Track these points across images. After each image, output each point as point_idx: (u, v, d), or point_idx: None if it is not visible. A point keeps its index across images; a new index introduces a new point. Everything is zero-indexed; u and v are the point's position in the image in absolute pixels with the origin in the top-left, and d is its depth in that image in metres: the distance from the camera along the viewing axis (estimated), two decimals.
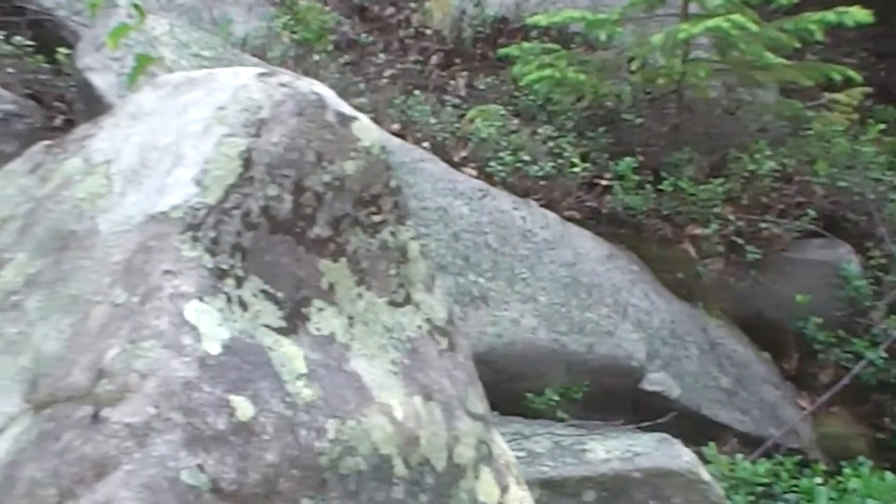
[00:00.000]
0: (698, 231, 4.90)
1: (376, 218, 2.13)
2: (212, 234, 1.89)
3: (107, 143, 2.14)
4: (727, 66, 5.17)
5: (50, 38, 4.79)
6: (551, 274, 4.53)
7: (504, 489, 2.22)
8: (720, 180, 4.93)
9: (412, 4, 6.87)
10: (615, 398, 4.35)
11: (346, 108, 2.14)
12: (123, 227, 1.93)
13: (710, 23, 4.76)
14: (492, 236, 4.56)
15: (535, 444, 3.64)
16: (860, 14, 4.84)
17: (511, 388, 4.05)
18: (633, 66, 5.36)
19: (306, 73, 5.07)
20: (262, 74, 2.11)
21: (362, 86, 5.38)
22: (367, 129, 2.14)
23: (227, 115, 2.01)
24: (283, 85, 2.09)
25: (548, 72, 5.31)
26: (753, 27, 4.75)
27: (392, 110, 5.14)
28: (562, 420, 4.10)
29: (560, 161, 4.98)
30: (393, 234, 2.16)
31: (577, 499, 3.34)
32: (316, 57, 5.31)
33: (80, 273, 1.94)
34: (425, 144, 4.92)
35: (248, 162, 1.96)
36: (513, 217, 4.66)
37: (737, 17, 4.72)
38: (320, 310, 2.01)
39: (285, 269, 1.98)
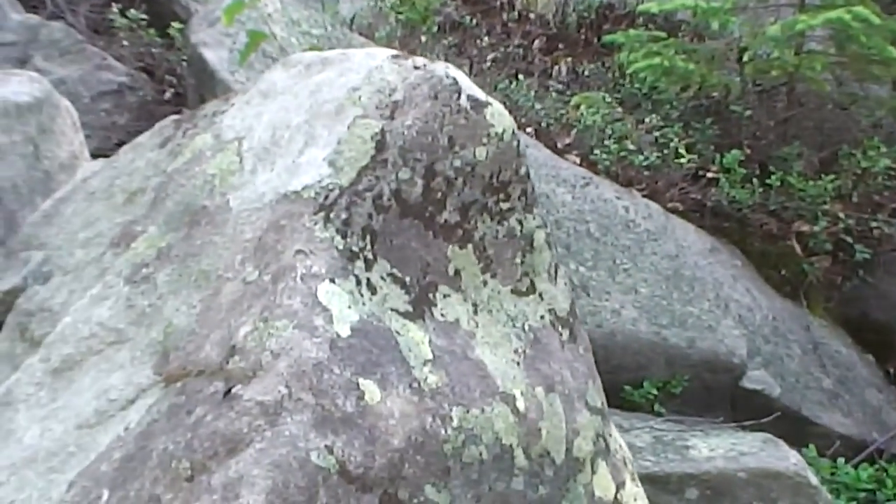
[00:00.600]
0: (806, 228, 4.78)
1: (504, 205, 2.10)
2: (343, 215, 1.88)
3: (238, 120, 2.14)
4: (844, 59, 5.00)
5: (164, 12, 4.85)
6: (653, 265, 4.45)
7: (620, 485, 2.19)
8: (830, 177, 4.80)
9: None
10: (715, 394, 4.27)
11: (480, 94, 2.11)
12: (255, 205, 1.93)
13: (831, 14, 4.61)
14: (594, 225, 4.49)
15: (635, 438, 3.58)
16: None
17: (610, 380, 3.94)
18: (745, 57, 5.23)
19: (412, 54, 5.08)
20: (395, 56, 2.09)
21: (467, 69, 5.35)
22: (499, 115, 2.11)
23: (360, 96, 2.00)
24: (417, 68, 2.07)
25: (656, 60, 5.22)
26: (876, 19, 4.60)
27: (496, 94, 5.10)
28: (660, 415, 4.04)
29: (665, 151, 4.90)
30: (520, 221, 2.13)
31: (679, 496, 3.28)
32: (422, 38, 5.29)
33: (210, 249, 1.94)
34: (529, 130, 4.88)
35: (381, 144, 1.94)
36: (615, 206, 4.59)
37: (858, 8, 4.57)
38: (446, 296, 1.99)
39: (413, 253, 1.96)
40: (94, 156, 3.84)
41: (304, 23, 4.53)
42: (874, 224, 4.73)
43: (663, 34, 5.51)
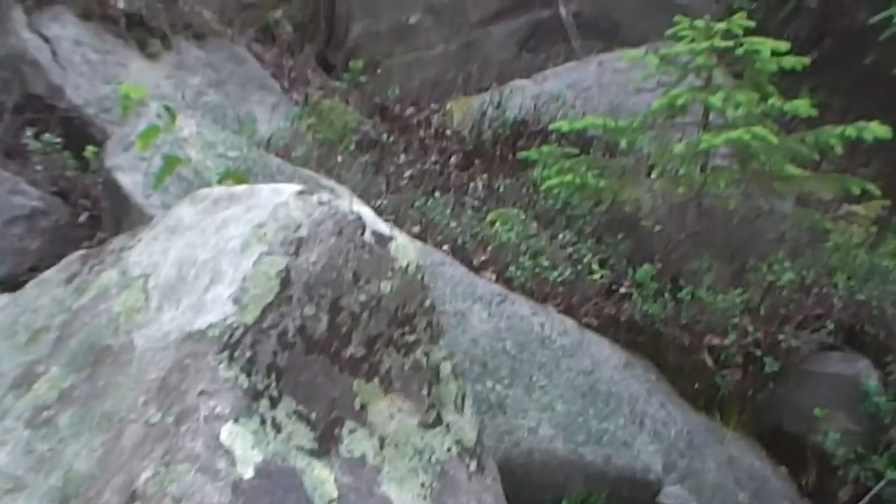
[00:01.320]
0: (717, 341, 4.88)
1: (410, 337, 2.14)
2: (248, 353, 1.90)
3: (145, 256, 2.16)
4: (747, 176, 5.20)
5: (78, 135, 4.87)
6: (569, 382, 4.50)
7: None
8: (739, 290, 4.93)
9: (433, 105, 7.01)
10: None
11: (384, 228, 2.16)
12: (159, 344, 1.94)
13: (731, 134, 4.83)
14: (510, 342, 4.53)
15: None
16: (879, 129, 4.91)
17: (528, 499, 3.99)
18: (654, 174, 5.41)
19: (329, 174, 5.16)
20: (301, 192, 2.14)
21: (383, 186, 5.44)
22: (404, 249, 2.16)
23: (266, 233, 2.04)
24: (322, 203, 2.12)
25: (568, 177, 5.38)
26: (773, 139, 4.81)
27: (413, 212, 5.17)
28: None
29: (579, 267, 4.99)
30: (426, 353, 2.16)
31: None
32: (339, 158, 5.37)
33: (114, 390, 1.94)
34: (445, 247, 4.93)
35: (286, 281, 1.97)
36: (531, 323, 4.65)
37: (757, 129, 4.79)
38: (352, 431, 2.01)
39: (319, 388, 1.98)
40: (5, 282, 3.81)
41: (220, 145, 4.56)
42: (781, 337, 4.85)
43: (575, 150, 5.69)
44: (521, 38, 7.99)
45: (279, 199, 2.11)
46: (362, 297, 2.05)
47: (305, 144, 5.44)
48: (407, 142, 6.49)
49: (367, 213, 2.16)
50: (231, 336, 1.89)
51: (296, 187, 2.17)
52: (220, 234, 2.09)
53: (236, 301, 1.93)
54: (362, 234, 2.10)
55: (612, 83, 7.06)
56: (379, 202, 5.07)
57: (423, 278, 2.17)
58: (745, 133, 4.76)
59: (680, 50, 5.19)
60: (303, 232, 2.04)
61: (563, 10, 7.99)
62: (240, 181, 3.70)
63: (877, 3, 6.49)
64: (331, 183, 4.76)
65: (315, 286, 1.99)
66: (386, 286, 2.08)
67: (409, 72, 7.61)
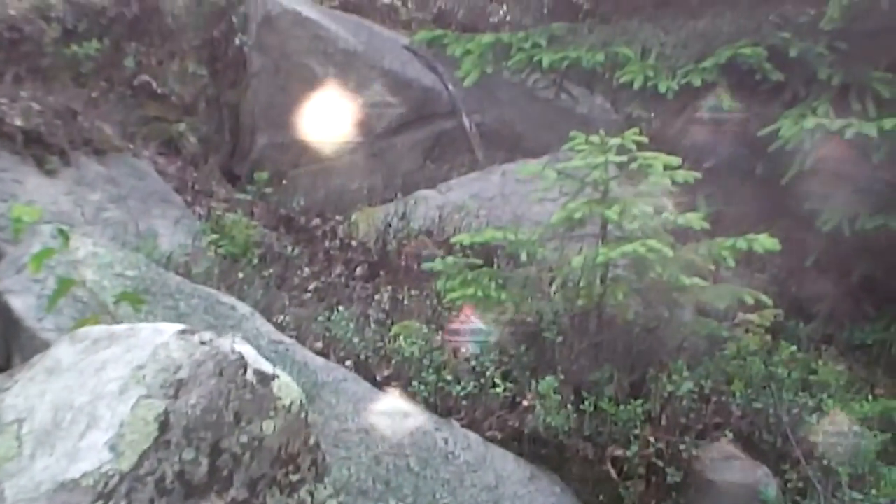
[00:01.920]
0: (619, 452, 4.92)
1: (294, 477, 2.12)
2: (123, 503, 1.86)
3: (21, 399, 2.12)
4: (645, 287, 5.32)
5: None
6: (473, 498, 4.50)
7: None
8: (640, 401, 5.00)
9: (338, 216, 7.06)
10: None
11: (267, 367, 2.16)
12: (31, 495, 1.89)
13: (628, 247, 4.95)
14: (413, 459, 4.53)
15: None
16: (768, 242, 5.13)
17: None
18: (554, 285, 5.50)
19: (230, 290, 5.14)
20: (182, 332, 2.14)
21: (286, 301, 5.43)
22: (287, 387, 2.16)
23: (145, 375, 2.02)
24: (203, 343, 2.12)
25: (471, 289, 5.43)
26: (669, 252, 4.95)
27: (316, 326, 5.18)
28: None
29: (482, 380, 5.02)
30: (310, 493, 2.15)
31: None
32: (241, 273, 5.36)
33: None
34: (348, 363, 4.93)
35: (164, 425, 1.96)
36: (435, 439, 4.65)
37: (653, 242, 4.92)
38: None
39: None
40: None
41: (117, 264, 4.52)
42: (682, 447, 4.92)
43: (478, 262, 5.75)
44: (425, 148, 8.17)
45: (160, 339, 2.10)
46: (244, 439, 2.03)
47: (207, 260, 5.42)
48: (312, 254, 6.52)
49: (249, 352, 2.16)
50: (106, 485, 1.86)
51: (177, 327, 2.16)
52: (99, 376, 2.06)
53: (112, 448, 1.91)
54: (244, 373, 2.09)
55: (515, 193, 7.24)
56: (281, 318, 5.07)
57: (306, 416, 2.17)
58: (641, 246, 4.89)
59: (577, 164, 5.33)
60: (183, 373, 2.03)
61: (466, 121, 8.19)
62: (136, 303, 3.67)
63: (763, 118, 6.84)
64: (231, 300, 4.75)
65: (195, 429, 1.98)
66: (268, 426, 2.08)
67: (315, 182, 7.69)
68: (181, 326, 2.16)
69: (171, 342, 2.08)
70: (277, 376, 2.08)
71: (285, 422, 2.08)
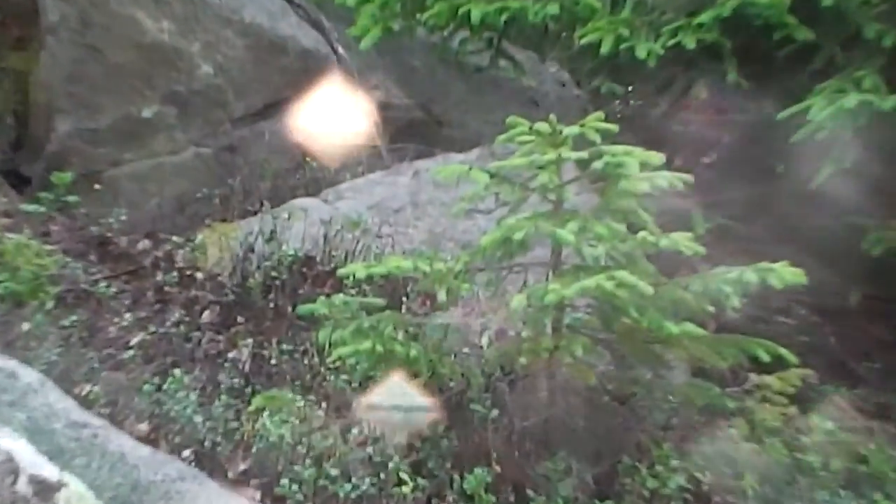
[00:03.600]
0: None
1: None
2: None
3: None
4: (614, 338, 5.35)
5: None
6: None
7: None
8: (610, 502, 5.02)
9: (177, 237, 6.99)
10: None
11: (50, 471, 2.12)
12: None
13: (589, 281, 4.91)
14: None
15: None
16: (789, 273, 5.03)
17: None
18: (485, 337, 5.50)
19: (9, 348, 5.05)
20: None
21: (96, 363, 5.36)
22: (79, 500, 2.12)
23: None
24: None
25: (367, 342, 5.37)
26: (647, 288, 4.92)
27: (140, 400, 5.12)
28: None
29: (383, 475, 4.99)
30: None
31: None
32: (26, 324, 5.28)
33: None
34: (187, 453, 4.89)
35: None
36: None
37: (623, 273, 4.90)
38: None
39: None
40: None
41: None
42: None
43: (379, 302, 5.72)
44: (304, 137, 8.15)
45: None
46: None
47: None
48: (137, 292, 6.44)
49: (21, 450, 2.11)
50: None
51: None
52: None
53: None
54: (14, 482, 2.04)
55: (433, 203, 7.26)
56: (88, 388, 5.01)
57: None
58: (608, 279, 4.88)
59: (518, 163, 5.33)
60: None
61: (363, 99, 8.20)
62: None
63: (785, 95, 6.87)
64: (10, 364, 4.66)
65: None
66: None
67: (144, 187, 7.62)
68: None
69: None
70: (66, 484, 2.04)
71: None
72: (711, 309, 5.40)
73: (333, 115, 8.22)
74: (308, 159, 7.99)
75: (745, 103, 7.38)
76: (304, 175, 7.88)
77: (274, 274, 6.63)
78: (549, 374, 5.43)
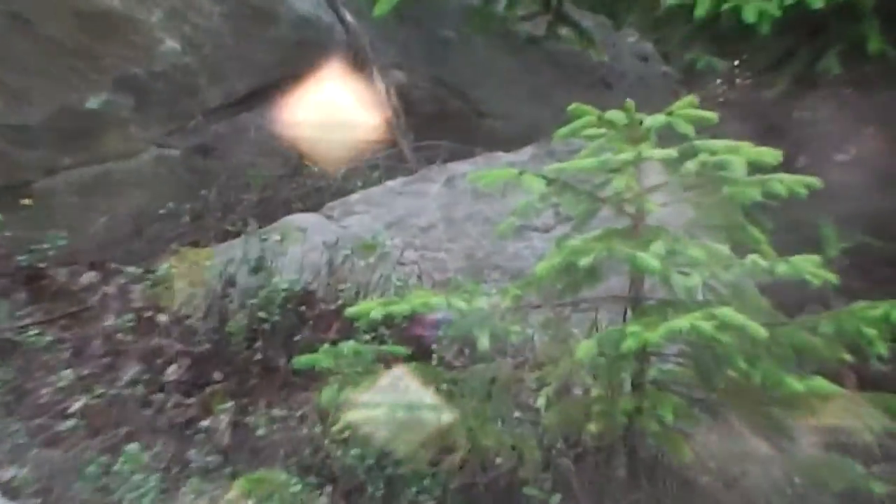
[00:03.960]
0: None
1: None
2: None
3: None
4: (715, 396, 5.32)
5: None
6: None
7: None
8: None
9: (132, 267, 7.01)
10: None
11: None
12: None
13: (680, 322, 4.88)
14: None
15: None
16: None
17: None
18: (542, 397, 5.47)
19: None
20: None
21: (23, 438, 5.38)
22: None
23: None
24: None
25: (385, 407, 5.39)
26: (759, 331, 4.90)
27: (82, 486, 5.13)
28: None
29: None
30: None
31: None
32: None
33: None
34: None
35: None
36: None
37: (727, 311, 4.88)
38: None
39: None
40: None
41: None
42: None
43: (401, 350, 5.72)
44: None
45: None
46: None
47: None
48: (79, 341, 6.47)
49: None
50: None
51: None
52: None
53: None
54: None
55: (472, 218, 7.26)
56: (11, 472, 5.02)
57: None
58: (706, 319, 4.85)
59: (584, 165, 5.33)
60: None
61: (379, 83, 8.23)
62: None
63: None
64: None
65: None
66: None
67: (88, 202, 7.65)
68: None
69: None
70: None
71: None
72: (849, 358, 5.36)
73: (339, 104, 8.23)
74: (307, 163, 7.98)
75: (893, 79, 7.31)
76: (302, 183, 7.87)
77: (262, 315, 6.65)
78: (629, 448, 5.41)
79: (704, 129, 5.27)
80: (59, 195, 7.66)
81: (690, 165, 5.25)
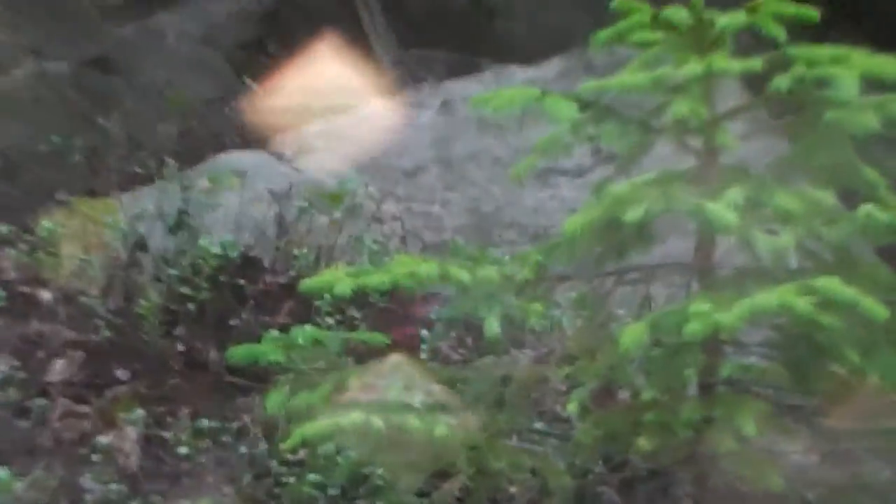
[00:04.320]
0: None
1: None
2: None
3: None
4: (816, 401, 5.28)
5: None
6: None
7: None
8: None
9: (6, 226, 6.98)
10: None
11: None
12: None
13: (766, 299, 4.85)
14: None
15: None
16: None
17: None
18: (575, 399, 5.43)
19: None
20: None
21: None
22: None
23: None
24: None
25: (355, 415, 5.34)
26: (878, 310, 4.85)
27: None
28: None
29: None
30: None
31: None
32: None
33: None
34: None
35: None
36: None
37: (832, 283, 4.83)
38: None
39: None
40: None
41: None
42: None
43: (380, 337, 5.69)
44: (242, 40, 8.15)
45: None
46: None
47: None
48: None
49: None
50: None
51: None
52: None
53: None
54: None
55: (477, 157, 7.23)
56: None
57: None
58: (802, 293, 4.81)
59: (632, 83, 5.26)
60: None
61: None
62: None
63: None
64: None
65: None
66: None
67: None
68: None
69: None
70: None
71: None
72: None
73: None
74: (247, 80, 7.93)
75: None
76: (241, 109, 7.82)
77: (185, 291, 6.61)
78: (697, 471, 5.37)
79: (801, 33, 5.21)
80: None
81: (781, 82, 5.18)
